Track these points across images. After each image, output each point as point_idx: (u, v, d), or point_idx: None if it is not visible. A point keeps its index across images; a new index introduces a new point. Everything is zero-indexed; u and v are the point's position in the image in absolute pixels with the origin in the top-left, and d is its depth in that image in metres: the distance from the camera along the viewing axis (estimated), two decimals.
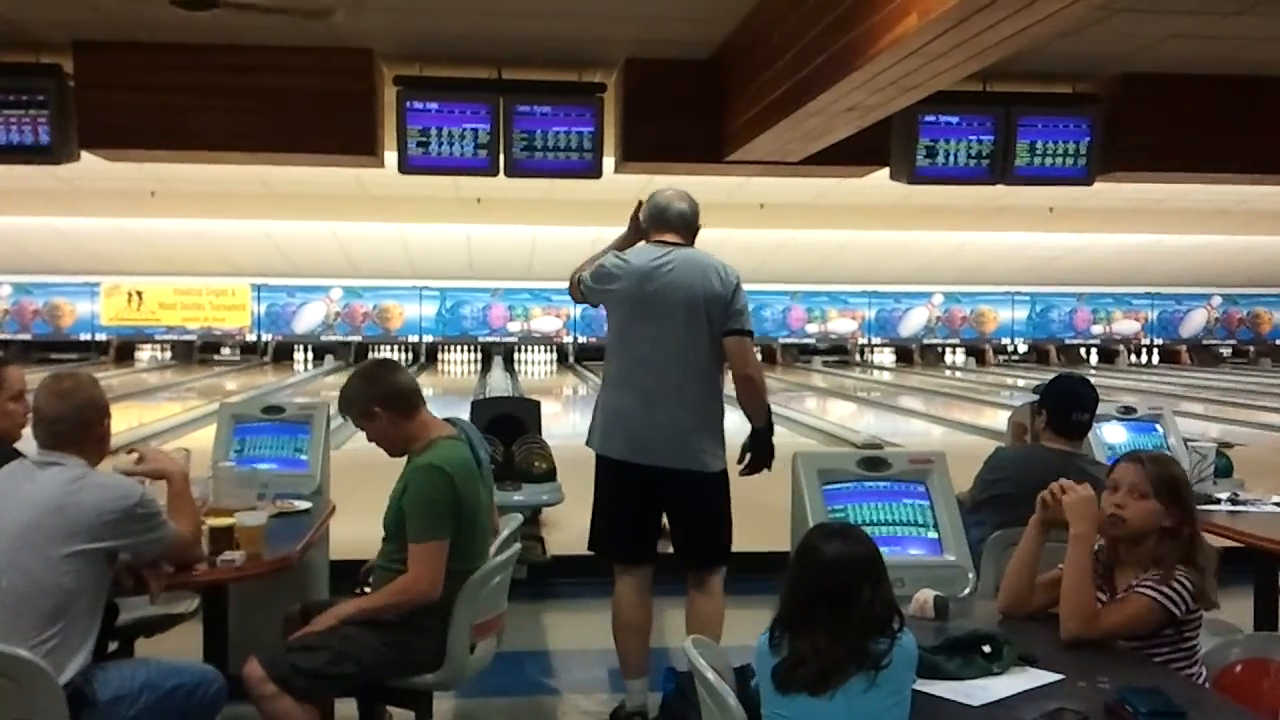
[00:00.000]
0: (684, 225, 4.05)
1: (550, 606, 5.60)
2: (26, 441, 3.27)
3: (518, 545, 3.32)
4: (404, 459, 3.33)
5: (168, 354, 22.52)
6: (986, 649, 2.28)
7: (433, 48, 6.65)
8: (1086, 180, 7.18)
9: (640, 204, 4.21)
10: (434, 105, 6.73)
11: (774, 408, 4.13)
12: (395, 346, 22.78)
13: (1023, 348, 24.72)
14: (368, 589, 3.38)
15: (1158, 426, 5.13)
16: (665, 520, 4.05)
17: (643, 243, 4.07)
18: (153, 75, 6.41)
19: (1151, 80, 6.91)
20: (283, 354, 22.71)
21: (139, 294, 21.30)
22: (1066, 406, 3.83)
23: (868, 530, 2.62)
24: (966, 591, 2.83)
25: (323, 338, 22.49)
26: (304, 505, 3.84)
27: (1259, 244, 20.08)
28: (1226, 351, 25.18)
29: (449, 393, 19.47)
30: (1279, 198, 14.54)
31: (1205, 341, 24.91)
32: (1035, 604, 2.71)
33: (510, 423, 6.46)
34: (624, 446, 3.88)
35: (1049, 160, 7.08)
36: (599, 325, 23.08)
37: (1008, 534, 3.34)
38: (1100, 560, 2.75)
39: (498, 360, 22.50)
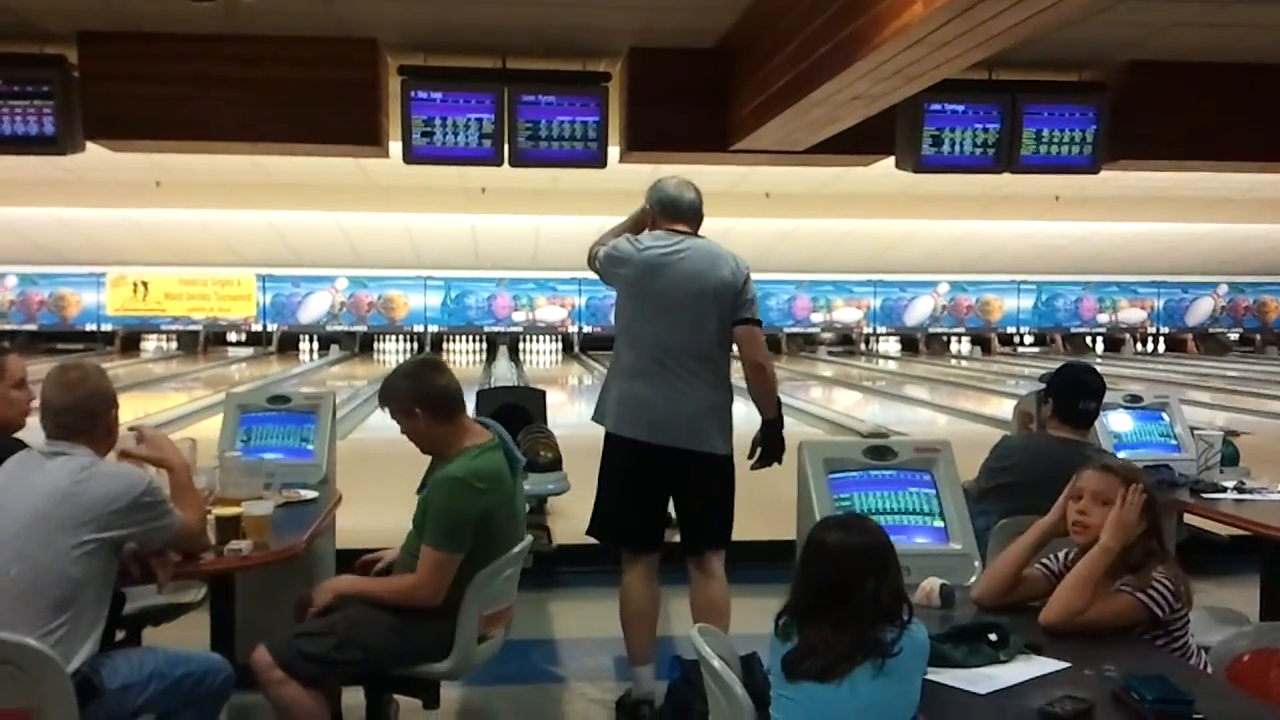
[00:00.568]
0: (694, 215, 4.11)
1: (556, 595, 5.62)
2: (31, 431, 3.28)
3: (529, 539, 3.32)
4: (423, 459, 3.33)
5: (173, 344, 22.56)
6: (993, 637, 2.28)
7: (437, 37, 6.64)
8: (1093, 169, 7.16)
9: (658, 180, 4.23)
10: (438, 95, 6.72)
11: (780, 397, 4.13)
12: (400, 336, 22.81)
13: (1029, 337, 24.69)
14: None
15: (1164, 415, 5.12)
16: (671, 509, 4.06)
17: (654, 230, 4.08)
18: (157, 65, 6.41)
19: (1157, 68, 6.89)
20: (288, 344, 22.75)
21: (144, 284, 21.32)
22: (1073, 395, 3.83)
23: (874, 519, 2.62)
24: (972, 580, 2.82)
25: (328, 328, 22.52)
26: (310, 495, 3.84)
27: (1265, 232, 20.03)
28: (1233, 339, 25.13)
29: None
30: None
31: (1211, 330, 24.86)
32: (1010, 598, 2.72)
33: (516, 412, 6.47)
34: (640, 428, 3.91)
35: (1055, 149, 7.06)
36: (604, 315, 23.13)
37: (1014, 522, 3.34)
38: (1069, 552, 2.78)
39: (503, 350, 22.51)
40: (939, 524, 3.08)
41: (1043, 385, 4.17)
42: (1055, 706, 2.07)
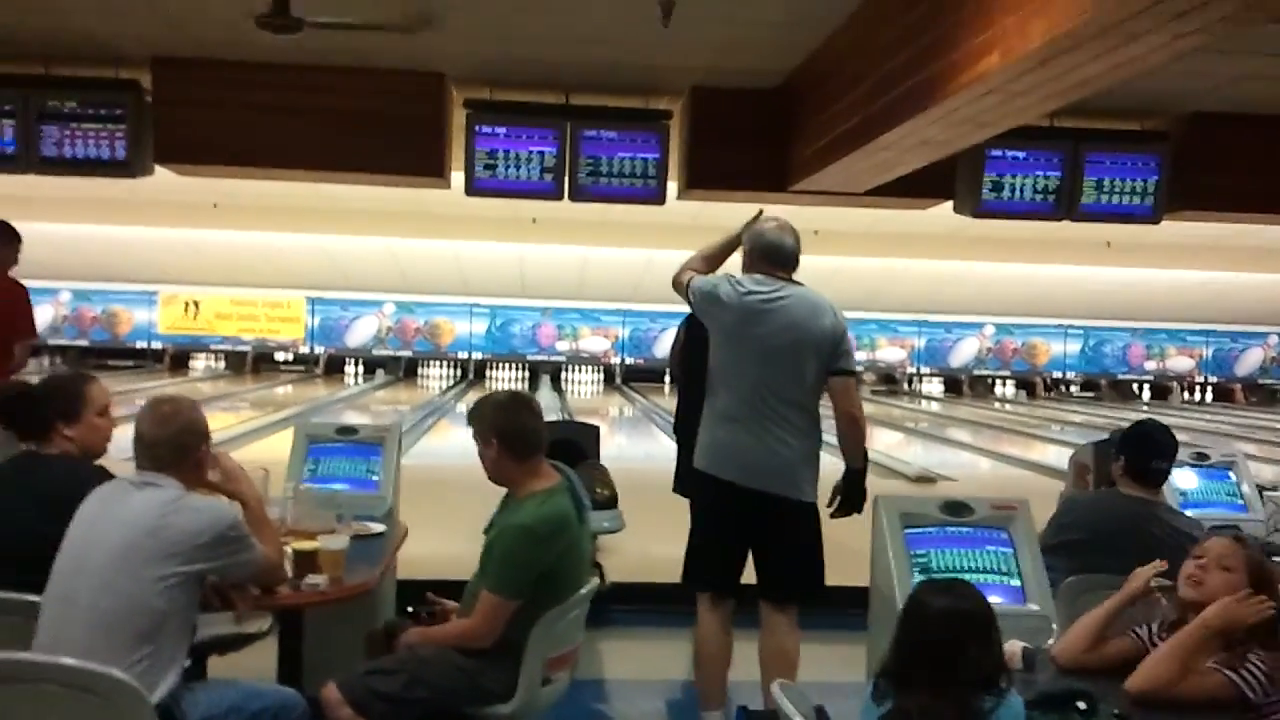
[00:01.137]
0: (794, 261, 4.11)
1: (608, 634, 5.57)
2: (110, 458, 3.32)
3: (595, 581, 3.32)
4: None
5: (221, 364, 22.80)
6: (1082, 705, 2.25)
7: (502, 72, 6.73)
8: (1153, 219, 7.12)
9: (758, 215, 4.18)
10: (502, 129, 6.80)
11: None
12: (445, 362, 22.94)
13: (1075, 385, 24.43)
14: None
15: (1230, 473, 5.05)
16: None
17: (754, 274, 4.06)
18: (229, 93, 6.53)
19: (1221, 119, 6.87)
20: (334, 367, 22.92)
21: (196, 304, 21.60)
22: (1146, 453, 3.79)
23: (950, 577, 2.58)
24: (1050, 641, 2.79)
25: (374, 352, 22.68)
26: (378, 528, 3.86)
27: None
28: None
29: None
30: None
31: (1261, 381, 24.51)
32: (1092, 660, 2.67)
33: (569, 447, 6.45)
34: (731, 470, 3.91)
35: (1116, 198, 7.03)
36: (646, 347, 23.17)
37: (1081, 580, 3.31)
38: (1164, 623, 2.73)
39: (545, 379, 22.58)
40: (1016, 583, 3.05)
41: (1101, 437, 4.12)
42: None
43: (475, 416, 3.33)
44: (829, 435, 4.05)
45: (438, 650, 3.14)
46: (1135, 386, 24.63)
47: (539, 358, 22.94)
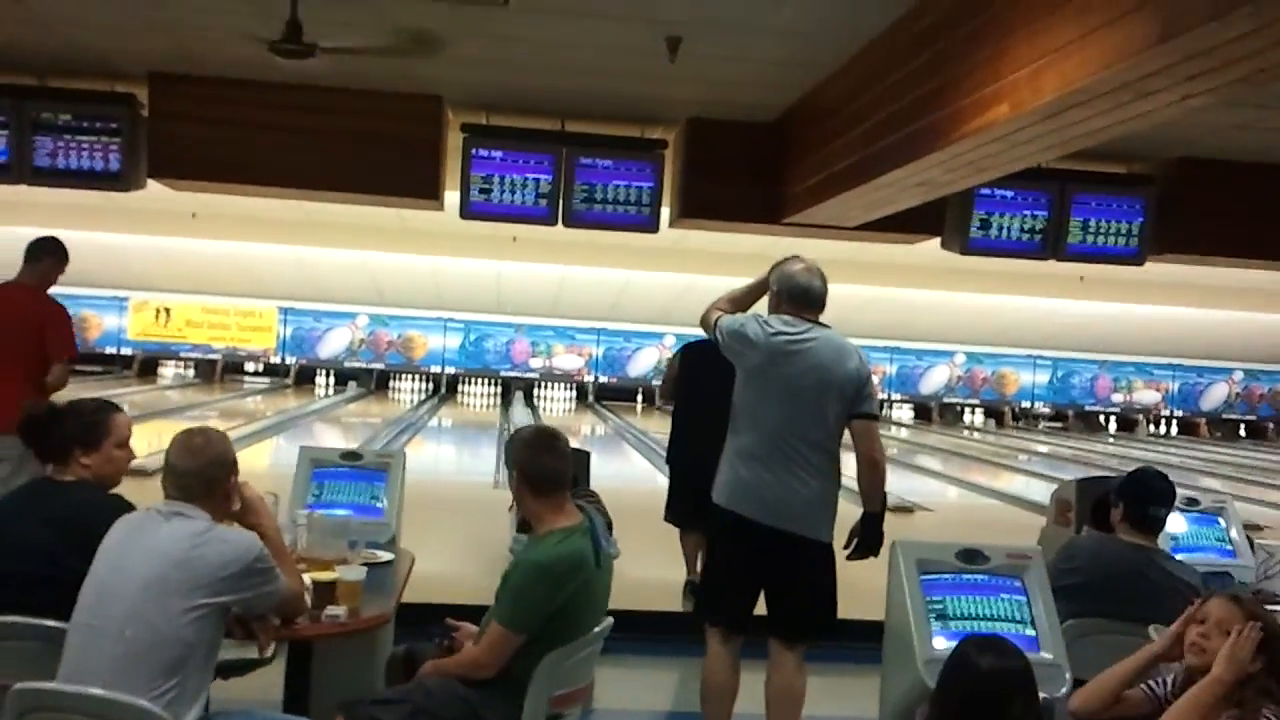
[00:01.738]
0: (821, 303, 4.14)
1: (603, 662, 5.57)
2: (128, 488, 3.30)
3: (609, 621, 3.34)
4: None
5: (191, 371, 22.61)
6: None
7: (500, 97, 6.76)
8: (1138, 260, 7.24)
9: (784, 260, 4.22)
10: (499, 154, 6.84)
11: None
12: (417, 376, 22.86)
13: (1045, 410, 24.65)
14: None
15: (1219, 519, 5.13)
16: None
17: (781, 314, 4.10)
18: (225, 109, 6.53)
19: (1206, 165, 6.99)
20: (305, 377, 22.78)
21: (167, 311, 21.41)
22: (1145, 500, 3.85)
23: (966, 625, 2.62)
24: (1063, 691, 2.84)
25: (346, 364, 22.57)
26: (386, 556, 3.86)
27: None
28: (1254, 427, 25.04)
29: (468, 425, 19.56)
30: None
31: (1225, 415, 24.85)
32: (1109, 713, 2.72)
33: None
34: (755, 509, 3.94)
35: (1101, 239, 7.15)
36: (619, 365, 23.21)
37: (1080, 625, 3.37)
38: (1176, 679, 2.78)
39: (518, 396, 22.55)
40: (1031, 632, 3.10)
41: (1079, 474, 4.17)
42: None
43: (508, 449, 3.37)
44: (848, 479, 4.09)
45: (443, 681, 3.14)
46: (1102, 418, 24.88)
47: (512, 374, 22.90)
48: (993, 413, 24.72)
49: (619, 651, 4.61)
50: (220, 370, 22.54)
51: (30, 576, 2.95)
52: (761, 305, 4.30)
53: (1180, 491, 4.34)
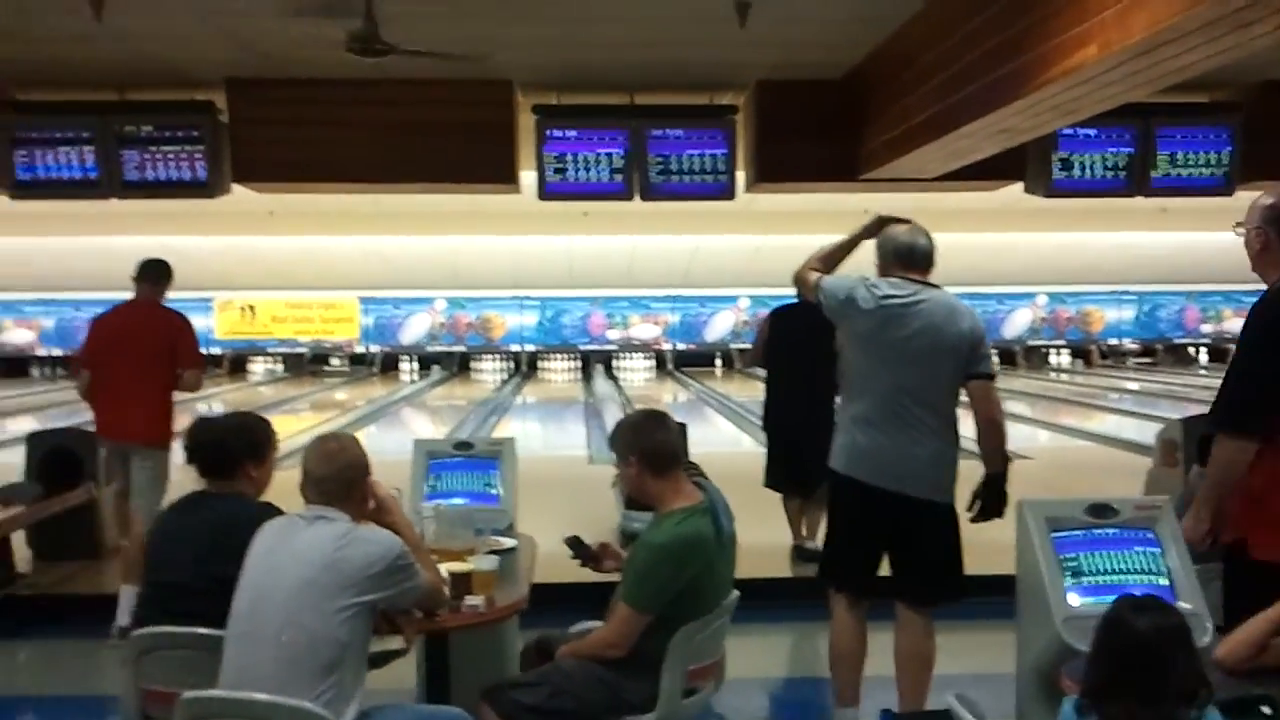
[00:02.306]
0: (929, 262, 4.07)
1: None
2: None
3: (735, 595, 3.38)
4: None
5: (279, 366, 23.09)
6: (1265, 710, 2.28)
7: (568, 77, 6.78)
8: (1227, 190, 7.06)
9: (880, 220, 4.17)
10: (572, 132, 6.87)
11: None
12: (497, 356, 23.11)
13: (1132, 348, 24.17)
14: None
15: None
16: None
17: (889, 278, 4.04)
18: (301, 110, 6.63)
19: None
20: (389, 365, 23.17)
21: (251, 308, 21.88)
22: None
23: (1100, 579, 2.61)
24: (1206, 640, 2.81)
25: (428, 348, 22.90)
26: (510, 543, 3.94)
27: None
28: None
29: (552, 400, 19.74)
30: None
31: None
32: (1257, 662, 2.67)
33: None
34: (870, 472, 3.92)
35: (1188, 171, 6.99)
36: (696, 331, 23.23)
37: (1207, 569, 3.32)
38: None
39: (598, 368, 22.69)
40: (1165, 583, 3.07)
41: (1185, 412, 4.09)
42: None
43: (614, 442, 3.40)
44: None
45: (580, 663, 3.21)
46: (1192, 350, 24.36)
47: (590, 347, 23.07)
48: (1079, 353, 24.33)
49: (734, 621, 4.65)
50: (307, 362, 23.01)
51: (187, 587, 3.08)
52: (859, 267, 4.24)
53: None
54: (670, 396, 20.01)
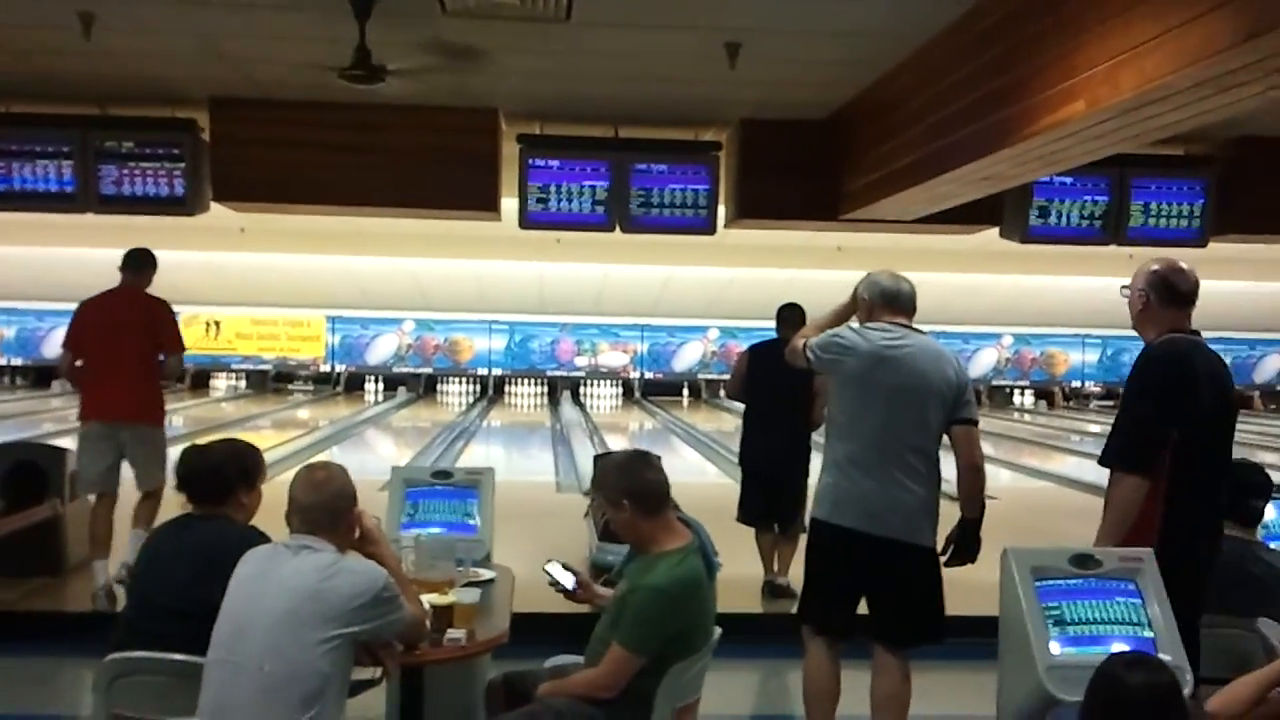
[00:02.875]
0: (912, 306, 4.15)
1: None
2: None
3: (718, 632, 3.37)
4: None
5: (243, 383, 22.87)
6: None
7: (553, 107, 6.80)
8: (1200, 242, 7.17)
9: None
10: (555, 163, 6.88)
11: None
12: (464, 379, 23.01)
13: (1095, 390, 24.39)
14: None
15: None
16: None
17: (875, 321, 4.10)
18: (284, 131, 6.62)
19: (1266, 143, 6.91)
20: (354, 384, 23.01)
21: (216, 324, 21.65)
22: (1243, 493, 3.84)
23: (1083, 629, 2.63)
24: (1186, 693, 2.83)
25: (394, 369, 22.77)
26: (488, 575, 3.91)
27: None
28: None
29: (517, 425, 19.66)
30: None
31: (1278, 387, 24.51)
32: (1253, 715, 2.70)
33: None
34: (855, 518, 3.93)
35: (1163, 221, 7.09)
36: (664, 361, 23.25)
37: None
38: None
39: (565, 395, 22.65)
40: (1148, 634, 3.09)
41: None
42: None
43: (599, 483, 3.39)
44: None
45: (570, 702, 3.18)
46: None
47: (558, 373, 23.01)
48: (1043, 394, 24.53)
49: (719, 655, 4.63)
50: (271, 380, 22.81)
51: (168, 610, 3.05)
52: None
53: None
54: (637, 425, 19.99)
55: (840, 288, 4.36)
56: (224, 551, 2.98)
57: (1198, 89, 3.38)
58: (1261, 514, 3.89)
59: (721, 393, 22.30)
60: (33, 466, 6.51)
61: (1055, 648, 3.09)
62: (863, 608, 4.09)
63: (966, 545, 4.02)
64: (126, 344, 5.94)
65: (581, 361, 23.07)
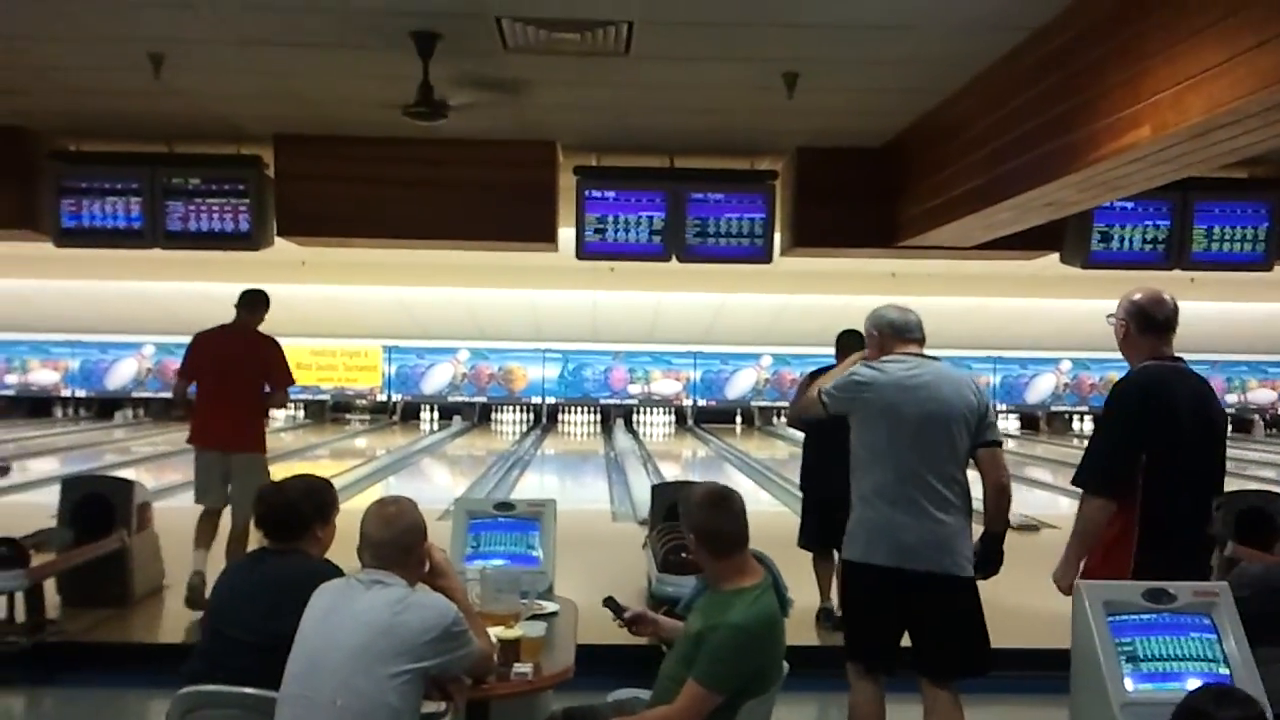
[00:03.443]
0: (922, 334, 4.18)
1: None
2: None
3: (786, 667, 3.36)
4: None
5: (301, 413, 23.14)
6: None
7: (611, 138, 6.84)
8: (1265, 265, 7.06)
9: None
10: (611, 194, 6.92)
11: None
12: (518, 407, 23.12)
13: None
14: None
15: None
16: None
17: (890, 356, 4.11)
18: (347, 166, 6.73)
19: None
20: (410, 414, 23.21)
21: None
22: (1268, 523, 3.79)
23: (1157, 665, 2.58)
24: None
25: (449, 398, 22.94)
26: (552, 607, 3.92)
27: None
28: None
29: (570, 454, 19.71)
30: None
31: None
32: None
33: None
34: (892, 554, 3.92)
35: (1226, 245, 6.99)
36: (717, 388, 23.21)
37: (1270, 652, 3.28)
38: None
39: (619, 422, 22.67)
40: (1224, 671, 3.04)
41: (1226, 493, 4.12)
42: None
43: (681, 510, 3.40)
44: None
45: None
46: None
47: (611, 401, 23.05)
48: None
49: None
50: (329, 410, 23.05)
51: (242, 643, 3.08)
52: None
53: None
54: (690, 452, 19.96)
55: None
56: (298, 585, 3.02)
57: (1268, 113, 3.33)
58: None
59: (777, 420, 22.46)
60: (101, 499, 6.63)
61: (1129, 684, 3.05)
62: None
63: (990, 560, 4.04)
64: (237, 377, 6.50)
65: (635, 389, 23.10)
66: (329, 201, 6.71)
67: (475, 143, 6.61)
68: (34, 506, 8.98)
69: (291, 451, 17.66)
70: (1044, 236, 6.73)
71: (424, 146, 6.57)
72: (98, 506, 6.60)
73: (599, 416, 23.15)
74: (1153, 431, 3.61)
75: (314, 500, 3.35)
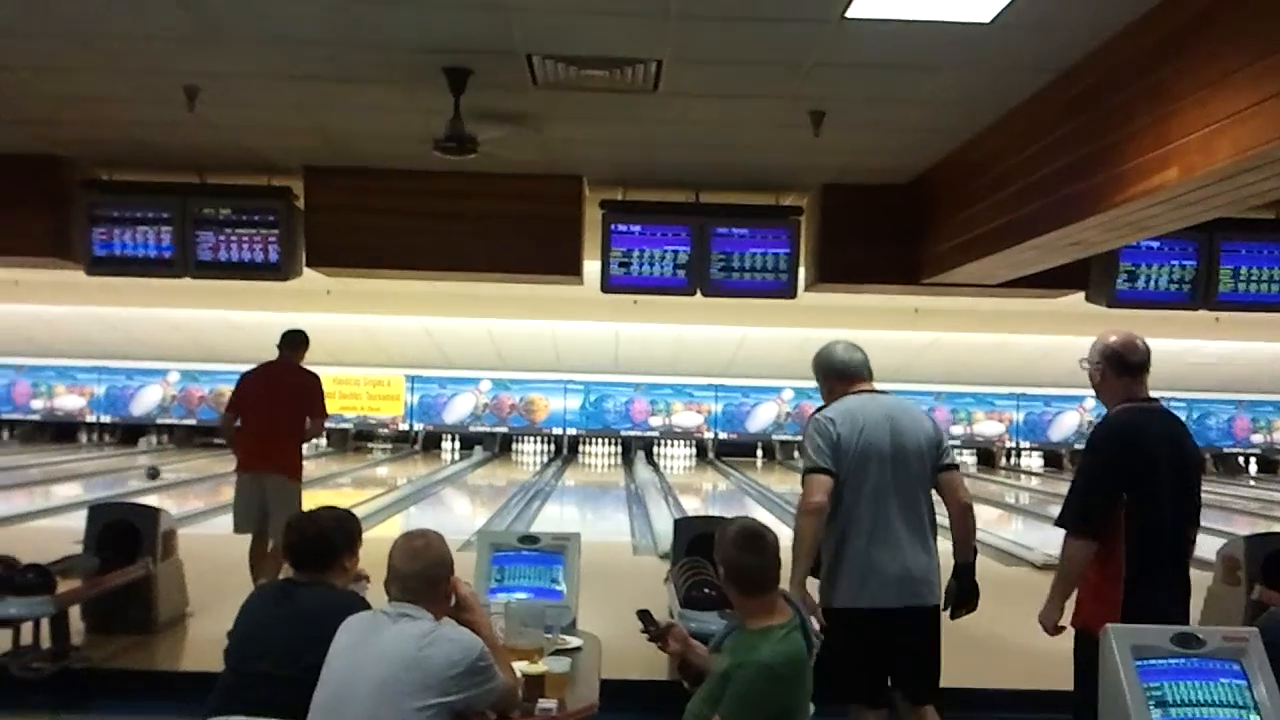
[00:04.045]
0: (869, 371, 4.25)
1: None
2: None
3: (811, 708, 3.35)
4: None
5: (323, 441, 23.20)
6: None
7: (637, 173, 6.89)
8: None
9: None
10: (637, 228, 6.97)
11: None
12: (539, 438, 23.14)
13: None
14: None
15: None
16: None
17: (840, 398, 4.16)
18: (376, 199, 6.80)
19: None
20: (431, 443, 23.25)
21: None
22: None
23: (1186, 711, 2.57)
24: None
25: (471, 428, 22.98)
26: (576, 642, 3.92)
27: None
28: None
29: (591, 485, 19.69)
30: None
31: None
32: None
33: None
34: (876, 595, 3.96)
35: (1253, 286, 6.97)
36: (739, 421, 23.17)
37: None
38: None
39: (639, 455, 22.65)
40: (1254, 718, 3.01)
41: (1246, 531, 4.12)
42: None
43: (715, 541, 3.41)
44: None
45: None
46: (1241, 460, 23.96)
47: (632, 433, 23.03)
48: None
49: None
50: (351, 439, 23.13)
51: (272, 677, 3.08)
52: None
53: None
54: (710, 485, 19.90)
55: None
56: (326, 618, 3.02)
57: None
58: None
59: (798, 454, 22.32)
60: (127, 526, 6.65)
61: None
62: None
63: (966, 595, 4.10)
64: (280, 412, 6.84)
65: (656, 421, 23.08)
66: (357, 233, 6.78)
67: (502, 176, 6.67)
68: (58, 531, 9.04)
69: (315, 480, 17.67)
70: (1069, 275, 6.74)
71: (452, 179, 6.62)
72: (124, 533, 6.62)
73: (620, 448, 23.13)
74: (1131, 473, 3.68)
75: (344, 531, 3.38)
